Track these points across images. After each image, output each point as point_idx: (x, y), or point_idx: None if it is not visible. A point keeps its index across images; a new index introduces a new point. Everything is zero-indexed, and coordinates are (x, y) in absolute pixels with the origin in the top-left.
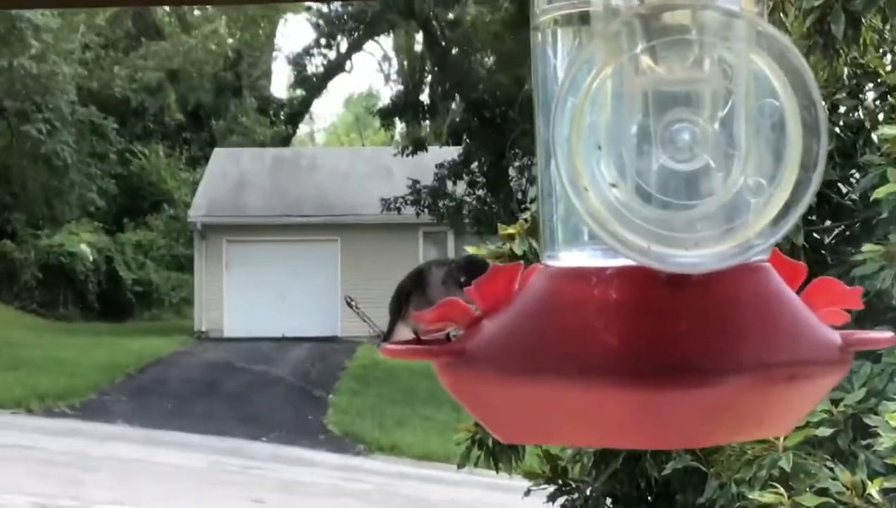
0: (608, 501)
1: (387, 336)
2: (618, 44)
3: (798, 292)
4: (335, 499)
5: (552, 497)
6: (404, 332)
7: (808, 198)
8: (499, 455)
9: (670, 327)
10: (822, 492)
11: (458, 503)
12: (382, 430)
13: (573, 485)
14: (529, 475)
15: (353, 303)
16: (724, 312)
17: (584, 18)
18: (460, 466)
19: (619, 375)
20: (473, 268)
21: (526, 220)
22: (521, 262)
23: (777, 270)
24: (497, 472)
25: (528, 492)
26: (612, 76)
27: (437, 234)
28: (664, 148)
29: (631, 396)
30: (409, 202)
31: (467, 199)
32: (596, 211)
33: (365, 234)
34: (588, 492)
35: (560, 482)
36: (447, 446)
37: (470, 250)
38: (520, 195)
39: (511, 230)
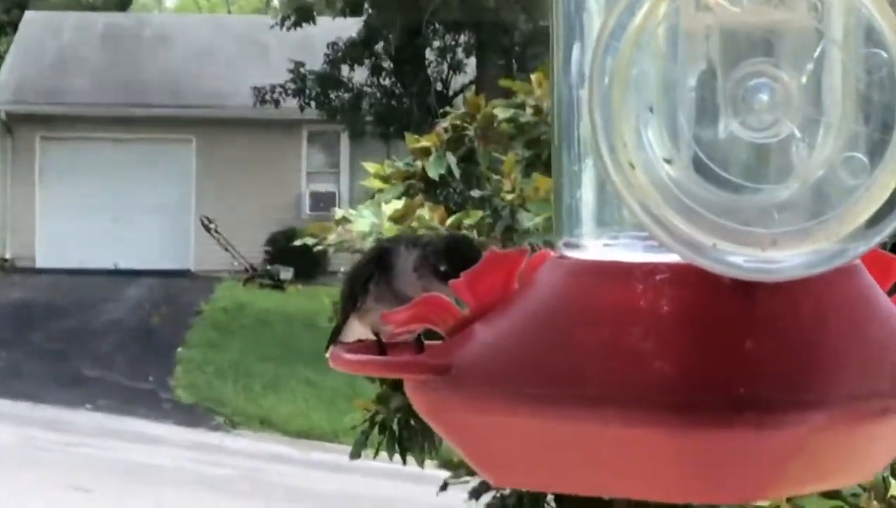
0: (551, 499)
1: (335, 335)
2: None
3: (890, 294)
4: (184, 489)
5: (476, 493)
6: (358, 329)
7: None
8: (407, 442)
9: (736, 349)
10: (833, 495)
11: (350, 496)
12: (249, 397)
13: None
14: (447, 465)
15: (212, 226)
16: (803, 328)
17: None
18: (354, 455)
19: (669, 410)
20: (457, 253)
21: (446, 129)
22: (526, 247)
23: (866, 266)
24: (405, 462)
25: (444, 486)
26: (667, 14)
27: (326, 135)
28: (735, 112)
29: (683, 438)
30: (290, 92)
31: (368, 89)
32: (644, 194)
33: (230, 133)
34: (524, 488)
35: None
36: (336, 419)
37: (371, 167)
38: (440, 86)
39: (425, 143)
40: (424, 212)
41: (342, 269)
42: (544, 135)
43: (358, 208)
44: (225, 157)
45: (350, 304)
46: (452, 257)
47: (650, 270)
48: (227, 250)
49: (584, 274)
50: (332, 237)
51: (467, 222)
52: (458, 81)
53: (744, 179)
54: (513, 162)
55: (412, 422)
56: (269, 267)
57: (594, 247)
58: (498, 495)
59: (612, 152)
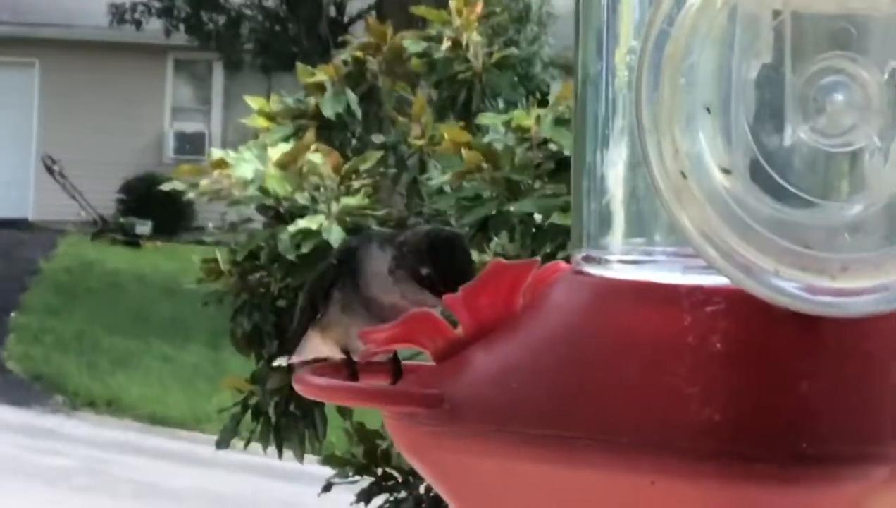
0: None
1: (288, 347)
2: None
3: None
4: (12, 481)
5: (366, 496)
6: (319, 345)
7: None
8: (285, 432)
9: (796, 395)
10: None
11: (212, 495)
12: (95, 373)
13: (399, 479)
14: (332, 460)
15: (55, 167)
16: (870, 372)
17: None
18: (222, 444)
19: (717, 463)
20: (444, 252)
21: (346, 62)
22: (536, 259)
23: None
24: (281, 455)
25: (328, 487)
26: None
27: (196, 64)
28: (804, 114)
29: (731, 494)
30: (154, 12)
31: (248, 12)
32: (696, 207)
33: (81, 57)
34: (423, 490)
35: (380, 472)
36: (197, 403)
37: (254, 102)
38: (333, 11)
39: (321, 77)
40: (316, 157)
41: (211, 225)
42: (461, 74)
43: (239, 149)
44: (74, 86)
45: (309, 314)
46: (436, 257)
47: (702, 299)
48: (73, 197)
49: (614, 296)
50: (204, 184)
51: (363, 166)
52: (354, 6)
53: (810, 193)
54: (423, 104)
55: (292, 407)
56: (122, 219)
57: (622, 264)
58: (392, 498)
59: (660, 161)
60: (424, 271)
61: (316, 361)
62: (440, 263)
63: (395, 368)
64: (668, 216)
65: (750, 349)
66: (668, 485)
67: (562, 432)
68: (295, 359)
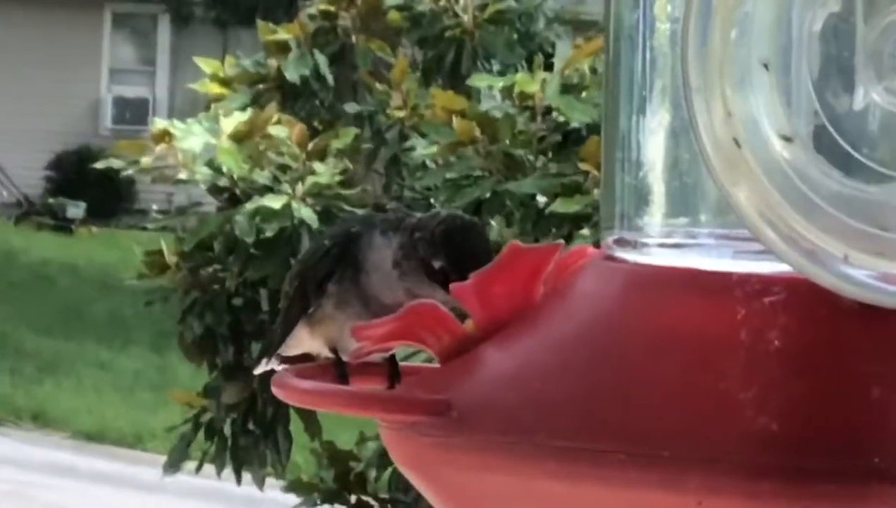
0: None
1: (273, 345)
2: None
3: None
4: None
5: None
6: (308, 341)
7: None
8: (244, 453)
9: (867, 401)
10: None
11: None
12: (19, 382)
13: (376, 506)
14: (298, 486)
15: None
16: None
17: None
18: (170, 468)
19: (777, 481)
20: (462, 242)
21: (313, 17)
22: (560, 242)
23: None
24: (239, 480)
25: None
26: None
27: (138, 18)
28: (877, 73)
29: None
30: None
31: None
32: (752, 181)
33: (3, 10)
34: None
35: (354, 500)
36: (140, 417)
37: (205, 64)
38: None
39: (284, 35)
40: (278, 129)
41: (155, 207)
42: (449, 31)
43: (188, 121)
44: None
45: (300, 307)
46: (452, 246)
47: (758, 288)
48: None
49: (653, 285)
50: (146, 161)
51: (336, 144)
52: None
53: (885, 166)
54: (405, 67)
55: (251, 425)
56: (51, 200)
57: (661, 247)
58: None
59: (709, 123)
60: (437, 263)
61: (300, 359)
62: (457, 253)
63: (392, 369)
64: (717, 192)
65: (813, 347)
66: (717, 506)
67: (591, 444)
68: (276, 362)
